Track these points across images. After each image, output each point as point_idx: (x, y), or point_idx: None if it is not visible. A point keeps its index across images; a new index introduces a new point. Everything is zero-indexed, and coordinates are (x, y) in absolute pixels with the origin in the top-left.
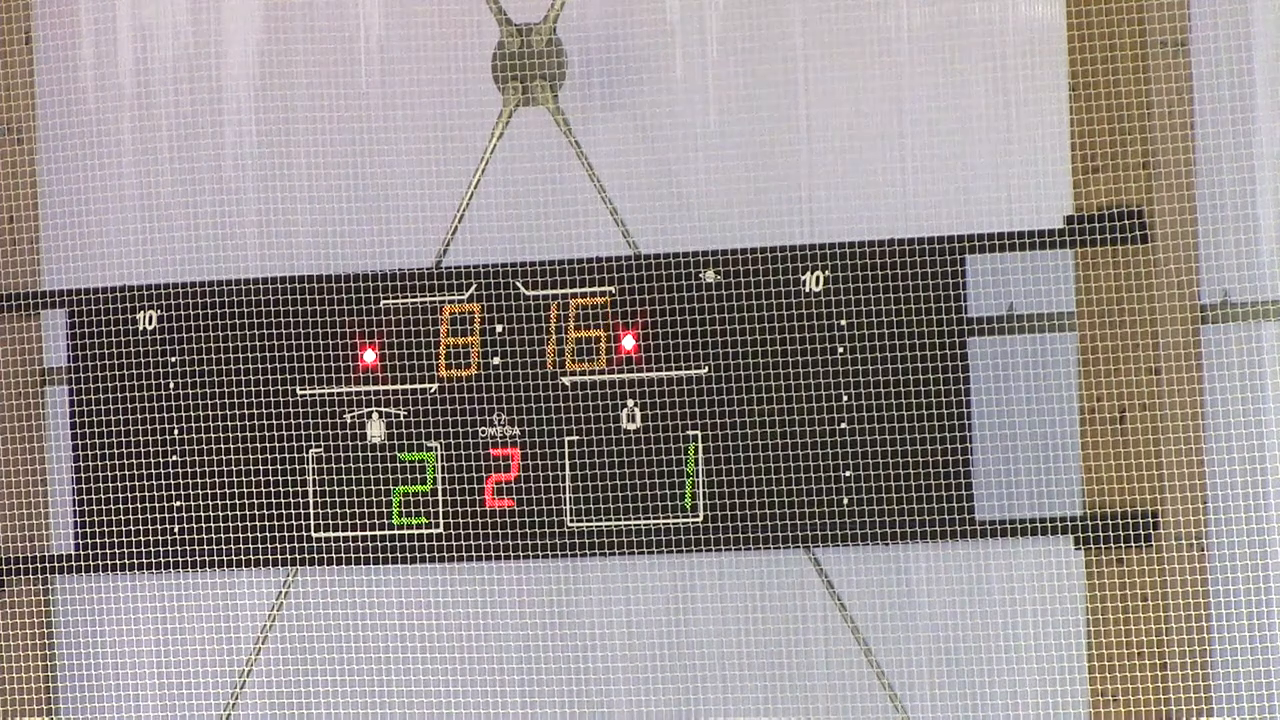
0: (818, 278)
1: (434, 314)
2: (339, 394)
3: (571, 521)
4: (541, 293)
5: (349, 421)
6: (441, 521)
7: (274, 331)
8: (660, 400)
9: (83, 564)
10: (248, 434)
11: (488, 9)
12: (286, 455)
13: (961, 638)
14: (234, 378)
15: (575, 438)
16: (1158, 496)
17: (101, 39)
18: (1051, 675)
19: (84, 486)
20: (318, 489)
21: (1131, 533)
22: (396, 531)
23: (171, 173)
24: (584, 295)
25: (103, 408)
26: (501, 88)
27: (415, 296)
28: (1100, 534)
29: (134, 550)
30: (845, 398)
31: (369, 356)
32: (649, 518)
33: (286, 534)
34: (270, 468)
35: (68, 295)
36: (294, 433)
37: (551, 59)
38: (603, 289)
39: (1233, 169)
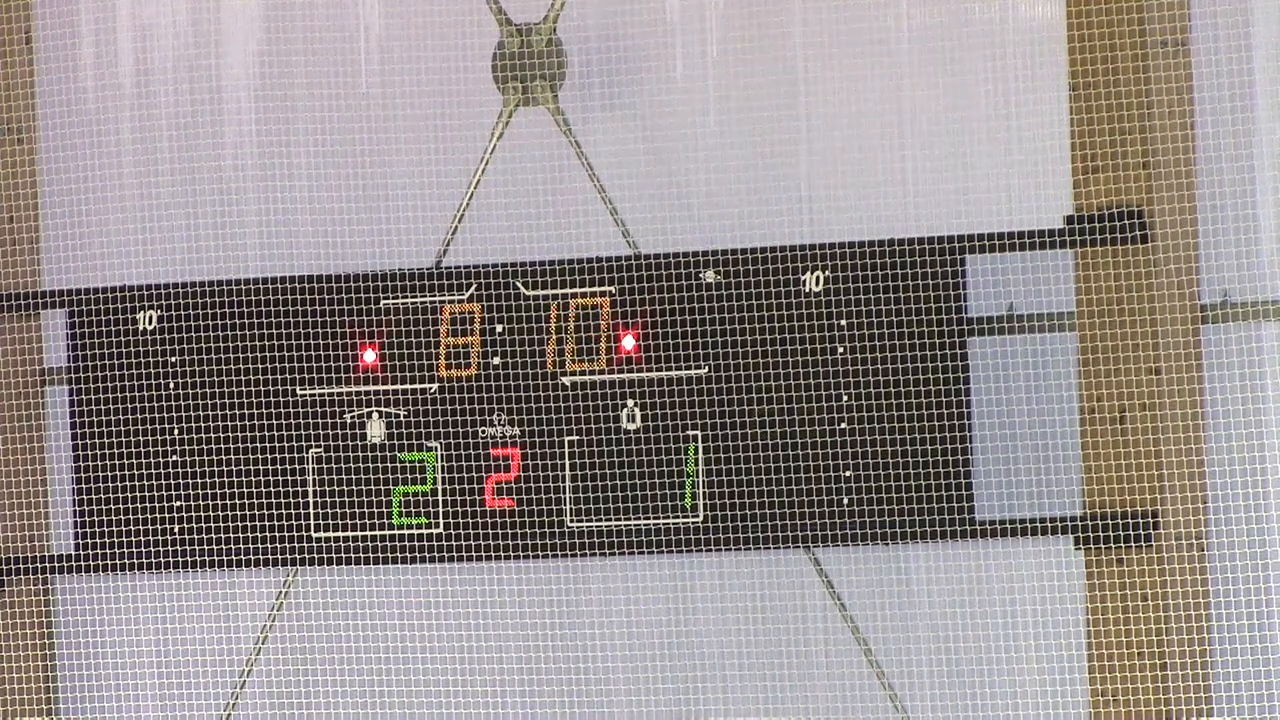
0: (818, 278)
1: (434, 314)
2: (339, 394)
3: (571, 521)
4: (541, 293)
5: (349, 421)
6: (441, 521)
7: (274, 331)
8: (660, 400)
9: (83, 564)
10: (248, 434)
11: (488, 9)
12: (286, 455)
13: (961, 638)
14: (234, 378)
15: (575, 438)
16: (1158, 496)
17: (101, 39)
18: (1051, 675)
19: (84, 486)
20: (318, 489)
21: (1131, 533)
22: (396, 531)
23: (171, 173)
24: (584, 295)
25: (103, 408)
26: (501, 88)
27: (415, 296)
28: (1100, 534)
29: (134, 550)
30: (845, 398)
31: (369, 356)
32: (649, 518)
33: (286, 534)
34: (270, 468)
35: (68, 295)
36: (294, 433)
37: (551, 59)
38: (603, 289)
39: (1233, 169)
